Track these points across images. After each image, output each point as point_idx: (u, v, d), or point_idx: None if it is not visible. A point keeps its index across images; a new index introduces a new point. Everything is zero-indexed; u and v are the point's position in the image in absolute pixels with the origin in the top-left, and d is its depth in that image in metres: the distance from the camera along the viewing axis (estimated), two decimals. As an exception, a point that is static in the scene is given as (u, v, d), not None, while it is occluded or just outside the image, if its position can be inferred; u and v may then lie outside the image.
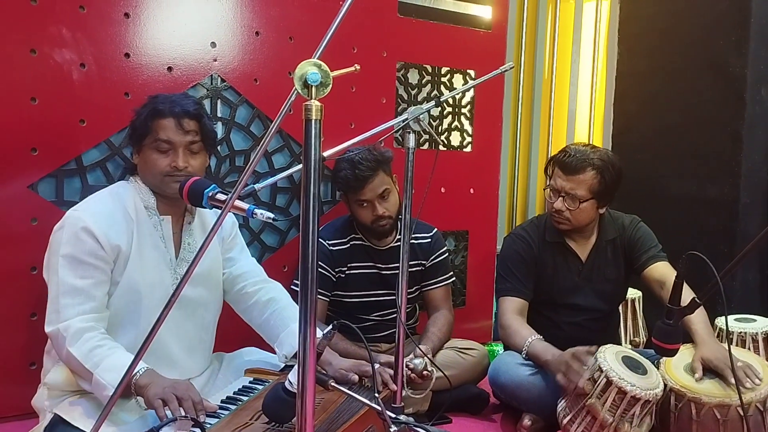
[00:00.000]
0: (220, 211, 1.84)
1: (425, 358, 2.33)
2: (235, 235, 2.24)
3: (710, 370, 2.19)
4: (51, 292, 1.83)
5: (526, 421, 2.43)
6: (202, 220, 2.11)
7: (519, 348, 2.46)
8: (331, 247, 2.64)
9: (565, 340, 2.55)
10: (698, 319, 2.28)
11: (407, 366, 2.24)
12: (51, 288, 1.84)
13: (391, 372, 2.10)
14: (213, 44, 2.62)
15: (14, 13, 2.25)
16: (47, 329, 1.81)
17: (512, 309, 2.57)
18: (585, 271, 2.64)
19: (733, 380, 2.10)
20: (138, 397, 1.73)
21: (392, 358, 2.31)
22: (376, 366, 2.02)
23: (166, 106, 1.94)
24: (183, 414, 1.60)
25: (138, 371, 1.72)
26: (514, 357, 2.51)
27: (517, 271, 2.63)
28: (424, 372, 2.30)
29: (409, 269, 2.06)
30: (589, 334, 2.56)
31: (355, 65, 1.33)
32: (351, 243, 2.68)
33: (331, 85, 1.12)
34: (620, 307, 3.00)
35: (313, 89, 1.10)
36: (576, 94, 4.28)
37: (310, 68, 1.10)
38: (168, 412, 1.62)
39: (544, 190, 2.68)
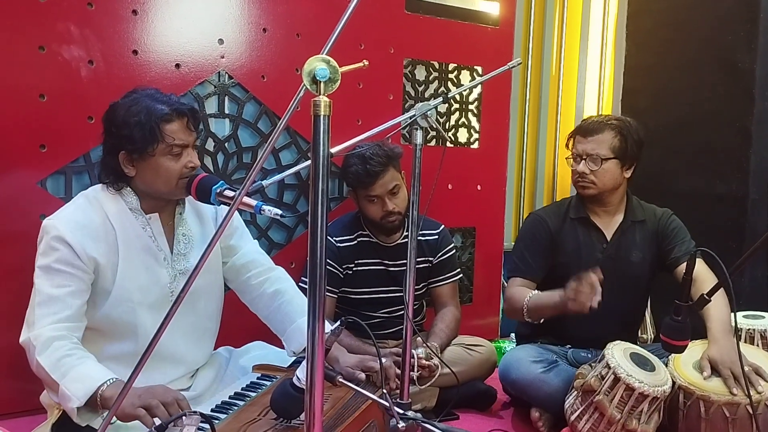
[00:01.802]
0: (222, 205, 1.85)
1: (431, 351, 2.33)
2: (232, 220, 2.17)
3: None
4: (30, 303, 1.80)
5: (535, 414, 2.42)
6: (195, 208, 2.05)
7: (520, 310, 2.43)
8: (339, 244, 2.64)
9: (579, 340, 2.54)
10: (715, 315, 2.25)
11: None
12: (31, 299, 1.80)
13: (397, 371, 2.10)
14: (221, 41, 2.63)
15: (22, 11, 2.26)
16: (21, 339, 1.77)
17: (515, 285, 2.57)
18: (610, 249, 2.58)
19: (734, 388, 2.10)
20: (105, 412, 1.65)
21: (399, 350, 2.32)
22: (384, 361, 2.03)
23: (169, 109, 1.84)
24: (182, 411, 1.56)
25: (105, 382, 1.65)
26: (527, 353, 2.51)
27: (527, 251, 2.61)
28: (426, 362, 2.30)
29: (417, 266, 2.06)
30: (605, 333, 2.41)
31: (364, 61, 1.33)
32: (358, 240, 2.68)
33: (339, 81, 1.12)
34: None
35: (322, 85, 1.10)
36: (584, 90, 4.26)
37: (318, 64, 1.10)
38: (155, 419, 1.58)
39: (566, 159, 2.65)
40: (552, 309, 2.34)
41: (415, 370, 2.30)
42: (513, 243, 2.88)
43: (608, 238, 2.59)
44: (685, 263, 2.40)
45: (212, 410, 1.79)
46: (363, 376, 1.99)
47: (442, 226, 2.82)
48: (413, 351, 2.29)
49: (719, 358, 2.17)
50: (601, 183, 2.52)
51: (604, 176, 2.51)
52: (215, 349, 2.20)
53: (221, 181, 1.80)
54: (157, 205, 1.94)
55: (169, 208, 1.99)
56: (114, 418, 1.61)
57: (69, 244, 1.78)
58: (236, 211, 2.21)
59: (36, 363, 1.71)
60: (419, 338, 2.39)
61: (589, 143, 2.52)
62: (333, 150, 1.62)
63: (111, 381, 1.66)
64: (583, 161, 2.52)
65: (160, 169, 1.86)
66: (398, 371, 2.11)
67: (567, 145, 2.67)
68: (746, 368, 2.11)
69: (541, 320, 2.45)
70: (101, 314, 1.86)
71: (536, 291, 2.43)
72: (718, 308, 2.24)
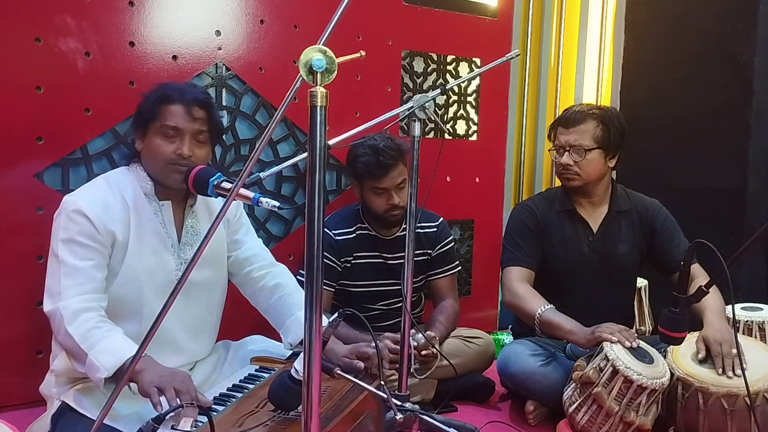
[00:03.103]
0: (223, 198, 1.86)
1: (429, 341, 2.33)
2: (239, 216, 2.21)
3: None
4: (52, 273, 1.83)
5: (530, 407, 2.43)
6: (206, 202, 2.09)
7: (530, 315, 2.40)
8: (337, 237, 2.63)
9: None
10: (710, 305, 2.25)
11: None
12: (52, 269, 1.83)
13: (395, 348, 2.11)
14: (218, 33, 2.62)
15: (19, 2, 2.24)
16: (46, 308, 1.80)
17: (518, 277, 2.51)
18: (596, 242, 2.56)
19: (720, 369, 2.11)
20: (131, 384, 1.69)
21: (397, 336, 2.33)
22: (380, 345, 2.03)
23: (176, 93, 1.93)
24: (179, 403, 1.57)
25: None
26: (525, 346, 2.50)
27: (521, 240, 2.57)
28: (423, 352, 2.30)
29: (415, 258, 2.06)
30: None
31: (361, 51, 1.32)
32: (357, 233, 2.67)
33: (336, 72, 1.11)
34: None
35: (318, 75, 1.09)
36: (582, 83, 4.26)
37: (315, 54, 1.09)
38: (163, 400, 1.60)
39: (549, 151, 2.63)
40: (564, 336, 2.34)
41: (413, 360, 2.31)
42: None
43: (594, 231, 2.58)
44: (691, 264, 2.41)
45: (210, 402, 1.80)
46: (362, 365, 1.99)
47: (441, 219, 2.82)
48: (413, 339, 2.28)
49: (712, 336, 2.18)
50: (585, 174, 2.49)
51: (589, 167, 2.49)
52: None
53: (218, 173, 1.79)
54: (169, 193, 1.99)
55: (180, 198, 2.03)
56: (127, 390, 1.68)
57: (88, 217, 1.83)
58: (242, 208, 2.24)
59: (64, 332, 1.74)
60: (423, 337, 2.38)
61: (571, 134, 2.48)
62: (331, 142, 1.62)
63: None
64: (566, 153, 2.49)
65: (152, 147, 1.93)
66: (393, 356, 2.12)
67: (549, 137, 2.63)
68: (734, 351, 2.12)
69: None
70: (110, 293, 1.89)
71: (550, 306, 2.38)
72: (712, 299, 2.23)
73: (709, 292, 1.84)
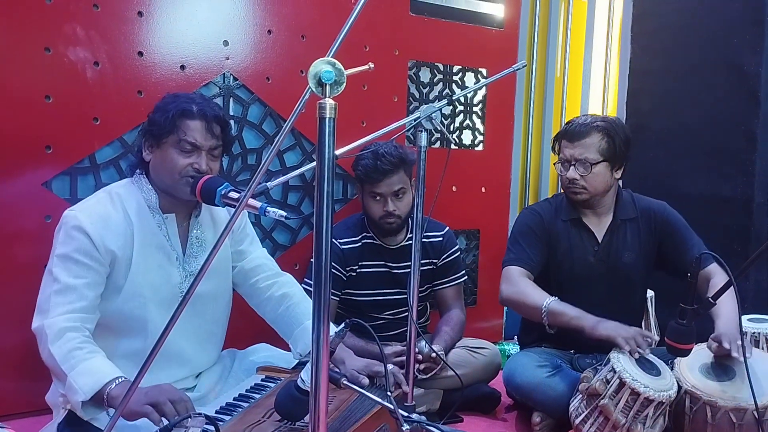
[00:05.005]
0: (230, 207, 1.87)
1: (435, 352, 2.33)
2: (244, 226, 2.21)
3: (725, 371, 2.16)
4: (44, 289, 1.82)
5: (536, 419, 2.42)
6: (211, 213, 2.09)
7: (534, 308, 2.35)
8: (342, 246, 2.63)
9: (583, 346, 2.50)
10: (724, 304, 2.15)
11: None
12: (45, 284, 1.83)
13: (403, 372, 2.10)
14: (225, 43, 2.63)
15: (29, 12, 2.26)
16: (33, 325, 1.79)
17: (518, 273, 2.47)
18: (601, 252, 2.54)
19: (736, 355, 2.06)
20: (110, 409, 1.66)
21: (402, 348, 2.32)
22: (390, 367, 2.03)
23: (196, 108, 1.90)
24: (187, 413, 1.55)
25: (113, 380, 1.66)
26: (531, 357, 2.48)
27: (524, 241, 2.53)
28: (423, 366, 2.31)
29: (421, 268, 2.06)
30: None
31: (370, 63, 1.33)
32: (362, 242, 2.67)
33: (345, 84, 1.12)
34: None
35: (327, 87, 1.10)
36: (588, 93, 4.26)
37: (324, 66, 1.10)
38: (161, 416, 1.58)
39: (554, 164, 2.61)
40: (575, 326, 2.30)
41: (419, 365, 2.31)
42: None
43: (599, 240, 2.55)
44: (702, 271, 2.34)
45: (216, 412, 1.80)
46: (366, 381, 1.98)
47: (447, 228, 2.81)
48: (416, 347, 2.28)
49: (723, 332, 2.12)
50: (592, 188, 2.47)
51: (595, 180, 2.45)
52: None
53: (226, 183, 1.80)
54: (173, 206, 1.97)
55: (185, 210, 2.01)
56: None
57: (88, 234, 1.81)
58: (247, 218, 2.24)
59: (48, 352, 1.72)
60: (430, 348, 2.38)
61: (576, 148, 2.45)
62: (338, 152, 1.63)
63: (119, 381, 1.67)
64: (572, 167, 2.46)
65: (166, 160, 1.90)
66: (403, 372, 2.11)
67: (553, 149, 2.60)
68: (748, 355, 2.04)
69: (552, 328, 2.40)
70: (114, 309, 1.88)
71: (554, 297, 2.36)
72: (728, 301, 2.16)
73: (716, 304, 1.83)
